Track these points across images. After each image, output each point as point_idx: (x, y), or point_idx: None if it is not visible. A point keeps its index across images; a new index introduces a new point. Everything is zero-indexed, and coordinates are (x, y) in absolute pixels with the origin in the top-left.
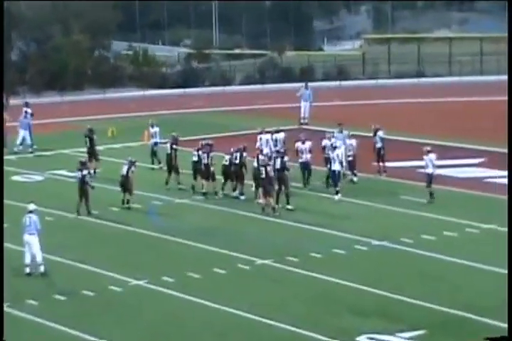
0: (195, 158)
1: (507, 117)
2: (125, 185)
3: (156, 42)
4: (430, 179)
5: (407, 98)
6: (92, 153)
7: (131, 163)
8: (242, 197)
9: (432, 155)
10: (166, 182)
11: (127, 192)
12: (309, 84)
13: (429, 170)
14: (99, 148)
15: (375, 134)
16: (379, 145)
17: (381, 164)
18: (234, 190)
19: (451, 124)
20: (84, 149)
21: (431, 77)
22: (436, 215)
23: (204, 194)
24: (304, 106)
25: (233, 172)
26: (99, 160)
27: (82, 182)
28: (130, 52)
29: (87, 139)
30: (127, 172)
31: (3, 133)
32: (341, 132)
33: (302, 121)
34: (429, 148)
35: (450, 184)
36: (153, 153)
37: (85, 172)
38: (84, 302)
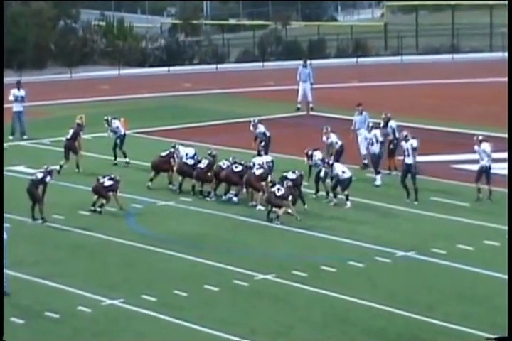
0: (190, 162)
1: (507, 118)
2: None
3: (133, 10)
4: (488, 173)
5: (438, 78)
6: (70, 148)
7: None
8: (235, 199)
9: (486, 145)
10: (151, 180)
11: (100, 197)
12: (320, 61)
13: (485, 163)
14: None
15: (386, 125)
16: (391, 137)
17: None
18: (226, 192)
19: (493, 110)
20: (56, 139)
21: (467, 53)
22: (475, 221)
23: (200, 193)
24: (303, 89)
25: (225, 176)
26: (77, 153)
27: (33, 185)
28: (102, 23)
29: (71, 131)
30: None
31: (3, 131)
32: (361, 114)
33: (299, 106)
34: (481, 137)
35: (492, 182)
36: (116, 146)
37: (48, 178)
38: (47, 327)
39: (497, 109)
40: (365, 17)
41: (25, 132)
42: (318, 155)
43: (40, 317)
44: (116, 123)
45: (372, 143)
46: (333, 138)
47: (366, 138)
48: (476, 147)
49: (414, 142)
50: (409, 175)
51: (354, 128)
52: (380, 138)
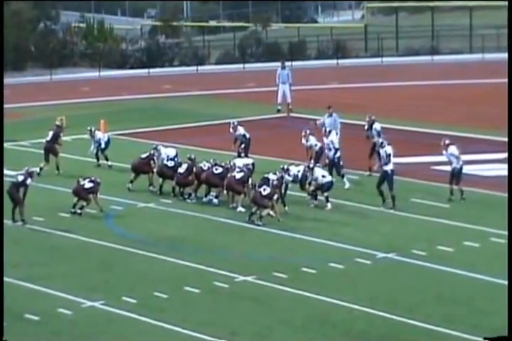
0: (170, 164)
1: (507, 120)
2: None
3: (114, 12)
4: (458, 175)
5: (418, 80)
6: (50, 150)
7: None
8: (215, 201)
9: (453, 148)
10: (131, 181)
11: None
12: (301, 63)
13: (456, 165)
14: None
15: (370, 127)
16: (375, 139)
17: (373, 161)
18: (206, 194)
19: (471, 112)
20: (36, 141)
21: (447, 55)
22: (455, 222)
23: (181, 194)
24: (283, 90)
25: (206, 178)
26: (57, 155)
27: (14, 187)
28: (82, 25)
29: (50, 133)
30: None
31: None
32: (331, 116)
33: (280, 107)
34: (447, 141)
35: (472, 184)
36: (98, 150)
37: (29, 180)
38: (27, 329)
39: (478, 110)
40: (346, 19)
41: None
42: (293, 170)
43: (20, 319)
44: (98, 134)
45: (330, 149)
46: (313, 140)
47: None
48: (444, 152)
49: (388, 148)
50: (385, 182)
51: (322, 129)
52: (337, 145)
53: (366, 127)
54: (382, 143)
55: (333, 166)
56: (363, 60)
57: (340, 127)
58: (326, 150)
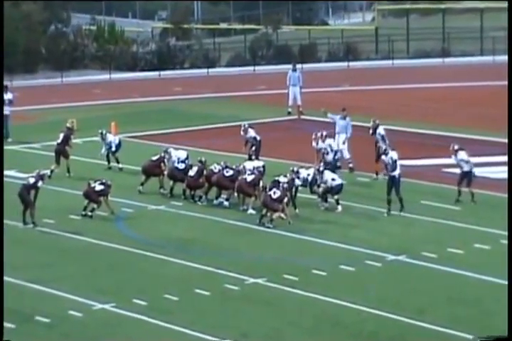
0: (181, 167)
1: (507, 122)
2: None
3: (124, 15)
4: (469, 178)
5: (429, 82)
6: (61, 152)
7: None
8: (226, 203)
9: (463, 154)
10: (141, 184)
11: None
12: (311, 65)
13: (466, 169)
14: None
15: (374, 132)
16: (380, 144)
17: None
18: (217, 197)
19: (482, 114)
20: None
21: (458, 57)
22: (465, 224)
23: (191, 197)
24: (293, 92)
25: (216, 181)
26: (68, 157)
27: (25, 189)
28: (93, 27)
29: (61, 135)
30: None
31: (3, 133)
32: (344, 118)
33: (290, 110)
34: (456, 146)
35: (482, 186)
36: (109, 153)
37: (40, 183)
38: (37, 331)
39: (488, 112)
40: (356, 21)
41: (9, 136)
42: (303, 173)
43: (30, 321)
44: (110, 137)
45: (328, 153)
46: (324, 143)
47: (344, 143)
48: (453, 157)
49: (393, 155)
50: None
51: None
52: (335, 148)
53: (371, 131)
54: (385, 149)
55: (334, 168)
56: (374, 62)
57: (351, 131)
58: (324, 154)
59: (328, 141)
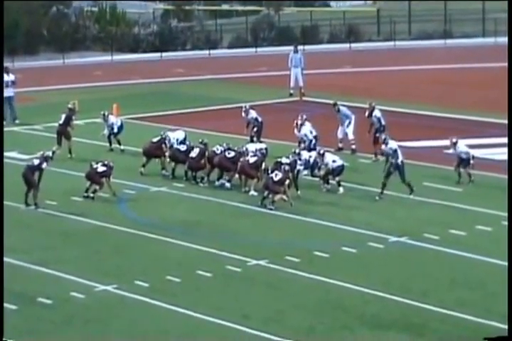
0: (182, 148)
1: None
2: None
3: None
4: (467, 161)
5: (431, 64)
6: (63, 133)
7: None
8: (228, 185)
9: (461, 145)
10: (143, 165)
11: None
12: (313, 47)
13: (465, 156)
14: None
15: (370, 114)
16: (377, 126)
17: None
18: (218, 178)
19: (484, 96)
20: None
21: (460, 38)
22: (467, 206)
23: (193, 178)
24: (295, 74)
25: (218, 162)
26: (70, 139)
27: (29, 170)
28: (95, 9)
29: (63, 116)
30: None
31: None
32: (338, 111)
33: (292, 91)
34: (454, 139)
35: (484, 168)
36: (111, 134)
37: (44, 164)
38: (40, 312)
39: (490, 94)
40: (358, 2)
41: (17, 117)
42: (304, 155)
43: (32, 303)
44: (112, 118)
45: (304, 141)
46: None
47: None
48: (451, 150)
49: (392, 144)
50: (396, 173)
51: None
52: (310, 137)
53: (366, 114)
54: (385, 139)
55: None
56: (376, 43)
57: (352, 117)
58: (300, 143)
59: (305, 129)
